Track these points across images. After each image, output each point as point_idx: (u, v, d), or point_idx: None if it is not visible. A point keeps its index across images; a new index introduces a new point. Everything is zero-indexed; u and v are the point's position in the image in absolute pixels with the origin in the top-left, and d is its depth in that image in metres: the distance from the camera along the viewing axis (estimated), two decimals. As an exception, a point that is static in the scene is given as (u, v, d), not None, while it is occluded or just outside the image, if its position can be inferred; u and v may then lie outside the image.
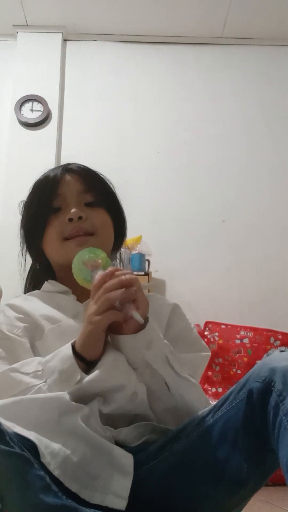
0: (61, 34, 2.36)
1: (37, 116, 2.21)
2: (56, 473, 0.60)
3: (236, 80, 2.39)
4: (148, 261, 2.07)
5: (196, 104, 2.36)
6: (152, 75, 2.40)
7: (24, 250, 1.05)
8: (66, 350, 0.75)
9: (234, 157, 2.28)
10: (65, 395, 0.71)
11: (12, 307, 0.92)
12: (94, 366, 0.74)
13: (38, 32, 2.35)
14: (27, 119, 2.20)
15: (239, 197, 2.22)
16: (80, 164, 1.03)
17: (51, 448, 0.64)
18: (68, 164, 1.02)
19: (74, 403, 0.71)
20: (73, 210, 0.92)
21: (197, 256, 2.12)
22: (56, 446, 0.64)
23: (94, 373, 0.73)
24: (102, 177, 1.04)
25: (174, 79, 2.39)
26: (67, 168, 1.00)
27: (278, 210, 2.20)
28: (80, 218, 0.92)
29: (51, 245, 0.96)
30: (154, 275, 2.07)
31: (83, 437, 0.67)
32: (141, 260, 2.05)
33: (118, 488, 0.62)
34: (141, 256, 2.05)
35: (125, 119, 2.31)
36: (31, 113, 2.22)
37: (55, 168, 1.02)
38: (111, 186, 1.05)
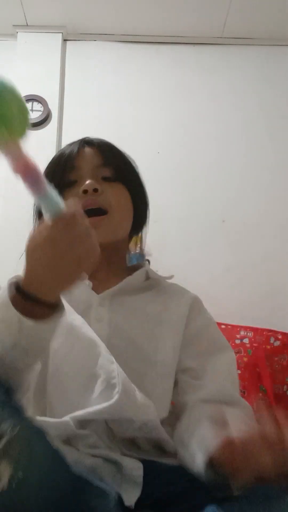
0: (61, 34, 2.36)
1: (37, 116, 2.21)
2: None
3: (236, 80, 2.39)
4: (148, 261, 2.06)
5: (196, 104, 2.35)
6: (152, 75, 2.39)
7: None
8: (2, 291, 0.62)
9: (234, 157, 2.28)
10: (69, 421, 0.66)
11: None
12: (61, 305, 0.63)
13: (38, 32, 2.35)
14: (27, 119, 2.20)
15: (239, 197, 2.21)
16: (100, 138, 0.96)
17: (63, 447, 0.63)
18: (87, 137, 0.95)
19: (79, 431, 0.67)
20: (89, 181, 0.85)
21: (197, 256, 2.12)
22: (68, 448, 0.64)
23: (99, 407, 0.68)
24: (123, 152, 0.98)
25: (174, 79, 2.39)
26: (86, 141, 0.93)
27: (278, 209, 2.20)
28: (95, 190, 0.85)
29: None
30: (154, 275, 2.06)
31: (91, 457, 0.66)
32: (141, 260, 2.05)
33: (126, 496, 0.61)
34: (141, 256, 2.05)
35: (125, 119, 2.30)
36: (31, 113, 2.22)
37: (72, 142, 0.94)
38: (133, 164, 0.99)
